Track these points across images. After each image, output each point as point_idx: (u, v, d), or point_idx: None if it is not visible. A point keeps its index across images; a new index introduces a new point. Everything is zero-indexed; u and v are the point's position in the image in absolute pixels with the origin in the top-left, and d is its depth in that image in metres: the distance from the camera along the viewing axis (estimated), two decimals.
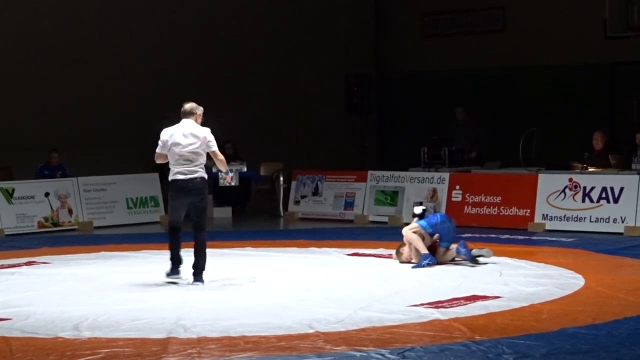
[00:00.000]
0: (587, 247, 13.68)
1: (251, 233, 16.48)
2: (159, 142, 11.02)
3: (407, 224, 13.30)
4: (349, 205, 18.06)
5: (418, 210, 12.61)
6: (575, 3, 21.68)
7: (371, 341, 8.07)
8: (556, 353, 7.64)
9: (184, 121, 11.05)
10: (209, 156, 11.12)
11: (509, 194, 16.41)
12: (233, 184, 11.53)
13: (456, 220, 13.41)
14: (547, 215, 15.91)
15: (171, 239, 11.04)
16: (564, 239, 14.59)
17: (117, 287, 10.94)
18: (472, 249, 12.25)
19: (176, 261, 11.06)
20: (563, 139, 20.82)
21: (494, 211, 16.50)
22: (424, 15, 24.02)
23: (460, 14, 23.41)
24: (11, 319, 9.14)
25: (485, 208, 16.59)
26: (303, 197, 18.69)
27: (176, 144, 10.90)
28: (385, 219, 17.41)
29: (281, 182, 19.28)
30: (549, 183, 16.08)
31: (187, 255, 11.15)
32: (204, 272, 10.95)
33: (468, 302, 9.68)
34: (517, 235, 15.23)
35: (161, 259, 11.81)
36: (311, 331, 8.45)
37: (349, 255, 13.28)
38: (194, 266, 10.95)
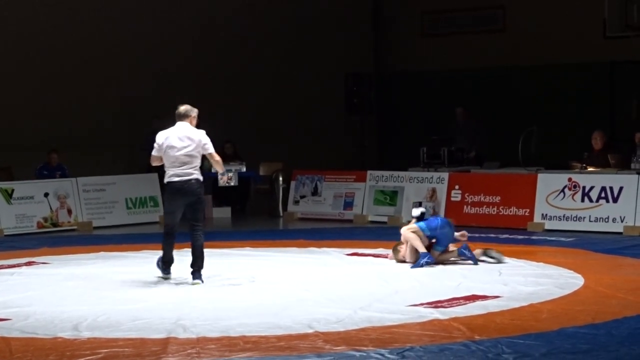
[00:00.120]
0: (587, 247, 13.67)
1: (250, 233, 16.48)
2: (155, 145, 11.11)
3: (408, 221, 13.27)
4: (349, 205, 18.06)
5: (416, 212, 12.52)
6: (574, 3, 21.66)
7: (371, 341, 8.07)
8: (556, 353, 7.64)
9: (178, 124, 11.11)
10: (205, 157, 11.18)
11: (508, 194, 16.41)
12: (232, 184, 11.53)
13: (455, 220, 13.43)
14: (546, 215, 15.91)
15: (165, 242, 11.19)
16: (563, 239, 14.59)
17: (116, 287, 10.95)
18: (486, 249, 12.29)
19: (168, 262, 11.24)
20: (562, 138, 20.81)
21: (494, 211, 16.50)
22: (424, 15, 23.98)
23: (460, 14, 23.38)
24: (11, 319, 9.14)
25: (484, 208, 16.60)
26: (302, 197, 18.69)
27: (171, 147, 10.98)
28: (385, 219, 17.41)
29: (280, 182, 19.29)
30: (548, 183, 16.08)
31: (185, 255, 11.18)
32: (202, 271, 10.99)
33: (467, 301, 9.69)
34: (517, 235, 15.23)
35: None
36: (311, 331, 8.45)
37: (348, 255, 13.28)
38: (193, 265, 11.00)
